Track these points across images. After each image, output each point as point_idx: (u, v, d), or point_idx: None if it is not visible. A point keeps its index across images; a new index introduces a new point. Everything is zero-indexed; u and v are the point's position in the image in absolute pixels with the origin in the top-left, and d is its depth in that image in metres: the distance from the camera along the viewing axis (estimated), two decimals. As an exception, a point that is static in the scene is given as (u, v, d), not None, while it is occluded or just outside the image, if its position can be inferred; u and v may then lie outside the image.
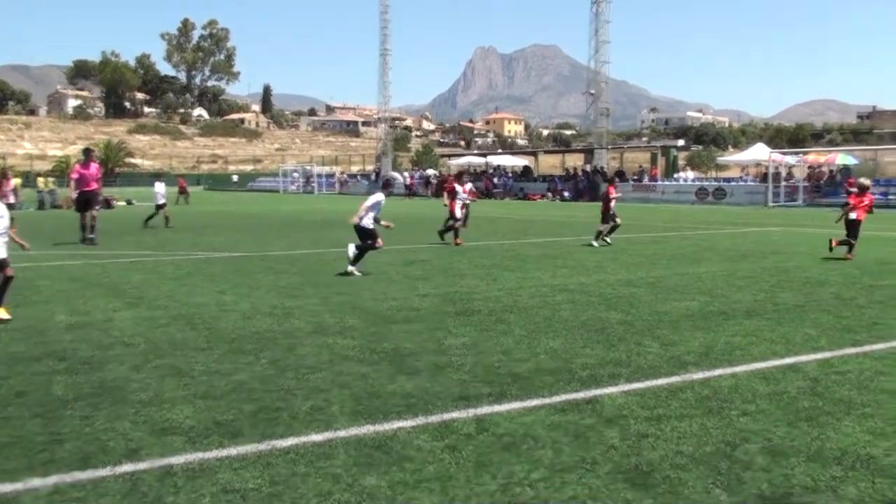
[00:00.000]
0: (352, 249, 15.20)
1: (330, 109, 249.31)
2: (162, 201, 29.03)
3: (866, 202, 18.97)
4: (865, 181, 19.76)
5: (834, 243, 18.31)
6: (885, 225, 29.68)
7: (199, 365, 7.92)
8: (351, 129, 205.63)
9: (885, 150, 76.22)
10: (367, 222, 15.37)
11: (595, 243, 21.03)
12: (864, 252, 19.06)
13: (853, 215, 18.60)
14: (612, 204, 21.86)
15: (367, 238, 15.33)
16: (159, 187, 29.18)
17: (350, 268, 15.03)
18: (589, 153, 71.16)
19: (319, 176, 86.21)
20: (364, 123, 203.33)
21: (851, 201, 19.07)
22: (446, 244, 21.29)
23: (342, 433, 5.86)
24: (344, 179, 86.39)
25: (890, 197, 47.10)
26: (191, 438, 5.77)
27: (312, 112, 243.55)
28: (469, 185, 25.40)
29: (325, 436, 5.81)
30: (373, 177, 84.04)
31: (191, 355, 8.34)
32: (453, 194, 23.19)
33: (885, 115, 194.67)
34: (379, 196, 15.80)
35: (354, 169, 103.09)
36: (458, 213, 22.62)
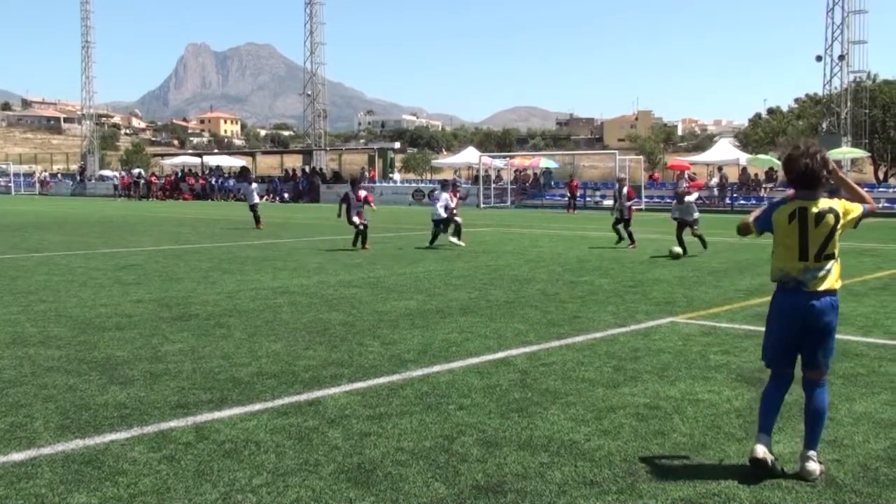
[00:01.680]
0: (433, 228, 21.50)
1: (27, 104, 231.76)
2: None
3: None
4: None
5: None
6: (586, 224, 32.01)
7: None
8: (52, 125, 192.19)
9: (581, 155, 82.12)
10: (440, 213, 21.38)
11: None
12: (566, 250, 20.47)
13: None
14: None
15: (444, 223, 21.43)
16: None
17: (454, 240, 21.14)
18: (308, 154, 71.13)
19: (17, 175, 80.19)
20: (67, 120, 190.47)
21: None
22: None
23: (47, 450, 5.47)
24: (45, 179, 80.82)
25: (587, 198, 50.83)
26: None
27: (7, 106, 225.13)
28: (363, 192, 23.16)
29: (27, 454, 5.40)
30: (77, 176, 79.12)
31: None
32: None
33: (581, 122, 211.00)
34: (440, 193, 22.11)
35: (57, 168, 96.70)
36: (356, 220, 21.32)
